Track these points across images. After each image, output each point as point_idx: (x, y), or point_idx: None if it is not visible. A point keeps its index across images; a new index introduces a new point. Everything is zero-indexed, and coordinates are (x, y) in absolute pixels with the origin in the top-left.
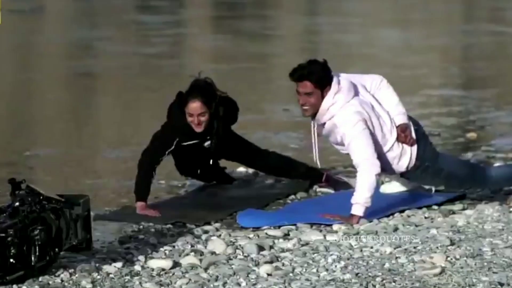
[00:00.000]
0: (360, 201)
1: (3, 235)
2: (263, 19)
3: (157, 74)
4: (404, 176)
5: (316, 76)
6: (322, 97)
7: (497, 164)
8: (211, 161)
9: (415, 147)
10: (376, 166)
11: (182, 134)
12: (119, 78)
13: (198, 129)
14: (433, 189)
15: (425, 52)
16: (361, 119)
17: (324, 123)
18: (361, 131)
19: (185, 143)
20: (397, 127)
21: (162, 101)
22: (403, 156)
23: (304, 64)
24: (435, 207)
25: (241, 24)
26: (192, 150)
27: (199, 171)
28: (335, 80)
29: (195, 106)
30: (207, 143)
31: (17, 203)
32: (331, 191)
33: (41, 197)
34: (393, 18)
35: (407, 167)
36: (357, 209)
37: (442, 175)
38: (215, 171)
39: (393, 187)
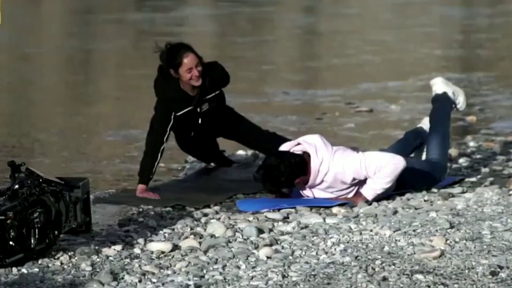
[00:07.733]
0: (376, 188)
1: (3, 217)
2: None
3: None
4: None
5: (283, 180)
6: (308, 168)
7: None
8: (199, 120)
9: None
10: (403, 159)
11: (175, 103)
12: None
13: (198, 82)
14: None
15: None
16: (354, 151)
17: (321, 181)
18: (362, 154)
19: (179, 113)
20: None
21: None
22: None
23: (263, 181)
24: (435, 190)
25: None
26: (187, 118)
27: (192, 133)
28: (305, 145)
29: (190, 58)
30: (199, 109)
31: (16, 186)
32: None
33: (41, 180)
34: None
35: None
36: (369, 193)
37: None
38: (211, 147)
39: None
